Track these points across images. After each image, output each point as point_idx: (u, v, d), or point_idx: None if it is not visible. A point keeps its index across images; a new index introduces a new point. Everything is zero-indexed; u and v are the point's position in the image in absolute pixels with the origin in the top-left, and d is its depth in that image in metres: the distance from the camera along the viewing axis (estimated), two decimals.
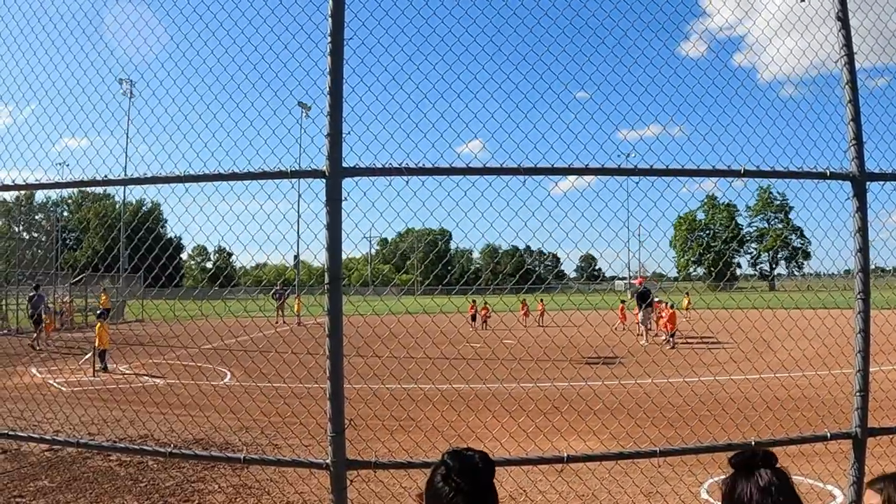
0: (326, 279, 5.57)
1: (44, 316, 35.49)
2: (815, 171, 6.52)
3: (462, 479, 3.23)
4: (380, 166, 5.79)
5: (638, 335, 33.83)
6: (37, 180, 7.26)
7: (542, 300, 44.88)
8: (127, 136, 31.81)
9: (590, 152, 6.34)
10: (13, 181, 7.27)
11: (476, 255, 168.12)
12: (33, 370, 24.26)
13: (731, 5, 7.41)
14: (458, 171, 5.89)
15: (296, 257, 56.09)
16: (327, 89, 5.75)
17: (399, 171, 5.78)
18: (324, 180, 5.69)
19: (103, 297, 46.49)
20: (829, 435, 6.66)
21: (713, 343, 28.33)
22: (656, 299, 37.84)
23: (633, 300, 35.85)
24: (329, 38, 5.80)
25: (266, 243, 6.84)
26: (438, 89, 6.47)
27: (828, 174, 6.51)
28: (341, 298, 5.63)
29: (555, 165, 6.00)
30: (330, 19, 5.82)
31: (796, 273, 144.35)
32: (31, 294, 35.17)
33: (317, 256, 5.88)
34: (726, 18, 7.66)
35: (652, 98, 6.80)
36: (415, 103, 6.41)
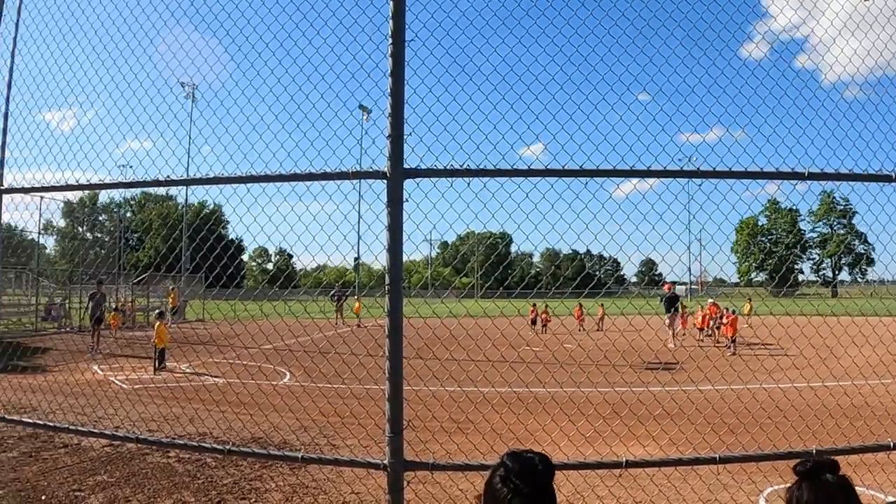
0: (387, 280, 5.58)
1: (108, 315, 36.08)
2: (879, 173, 6.39)
3: (521, 480, 3.20)
4: (441, 167, 5.78)
5: (666, 340, 33.60)
6: (100, 181, 7.38)
7: (602, 304, 44.63)
8: (189, 139, 32.11)
9: (652, 154, 6.30)
10: (77, 181, 7.38)
11: (536, 258, 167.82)
12: (95, 367, 24.64)
13: (793, 5, 7.28)
14: (519, 173, 5.86)
15: (356, 259, 56.34)
16: (388, 91, 5.76)
17: (460, 173, 5.77)
18: (384, 182, 5.70)
19: (172, 296, 47.20)
20: (892, 444, 6.54)
21: (775, 349, 27.95)
22: (710, 301, 38.11)
23: (661, 305, 35.88)
24: (390, 40, 5.81)
25: (326, 245, 6.89)
26: (500, 91, 6.46)
27: (893, 177, 6.38)
28: (401, 300, 5.64)
29: (616, 167, 5.95)
30: (391, 21, 5.83)
31: (860, 279, 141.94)
32: (93, 292, 34.22)
33: (377, 258, 5.90)
34: (789, 18, 7.54)
35: (714, 99, 6.73)
36: (476, 105, 6.40)
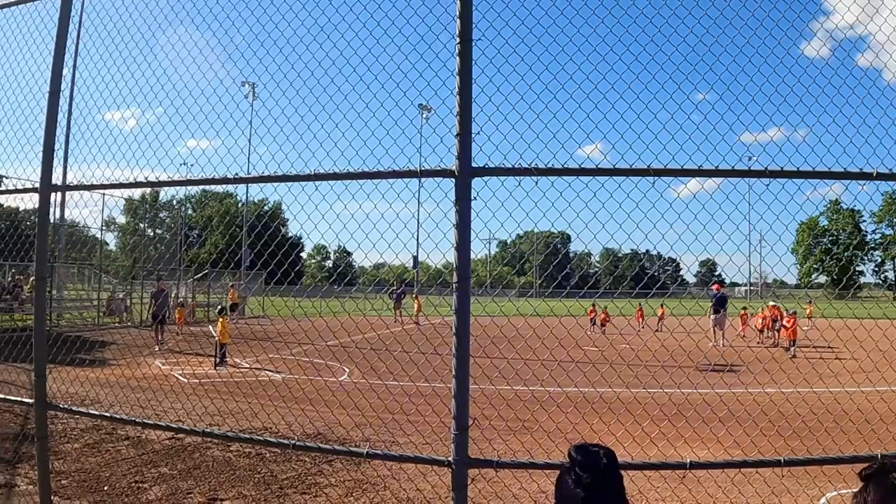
0: (455, 278, 5.60)
1: (176, 312, 36.68)
2: None
3: (584, 471, 3.23)
4: (509, 166, 5.79)
5: (715, 340, 34.23)
6: (169, 178, 7.49)
7: (662, 305, 44.37)
8: (250, 138, 32.49)
9: (720, 153, 6.23)
10: (146, 178, 7.49)
11: (595, 258, 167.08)
12: (157, 362, 25.00)
13: (856, 8, 7.14)
14: (587, 172, 5.84)
15: (415, 258, 56.65)
16: (456, 90, 5.77)
17: (528, 172, 5.76)
18: (452, 180, 5.72)
19: (231, 292, 47.77)
20: None
21: (834, 354, 27.57)
22: (771, 303, 38.17)
23: (711, 306, 36.31)
24: (458, 39, 5.82)
25: (390, 243, 6.94)
26: (567, 89, 6.43)
27: None
28: (469, 297, 5.66)
29: (684, 167, 5.90)
30: (458, 20, 5.84)
31: None
32: (155, 291, 34.37)
33: (445, 255, 5.93)
34: (857, 16, 7.40)
35: (783, 98, 6.62)
36: (544, 103, 6.39)
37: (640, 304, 46.43)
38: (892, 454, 6.11)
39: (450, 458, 5.79)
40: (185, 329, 37.53)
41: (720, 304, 35.28)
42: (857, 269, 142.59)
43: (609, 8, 6.43)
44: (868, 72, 7.31)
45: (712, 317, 35.39)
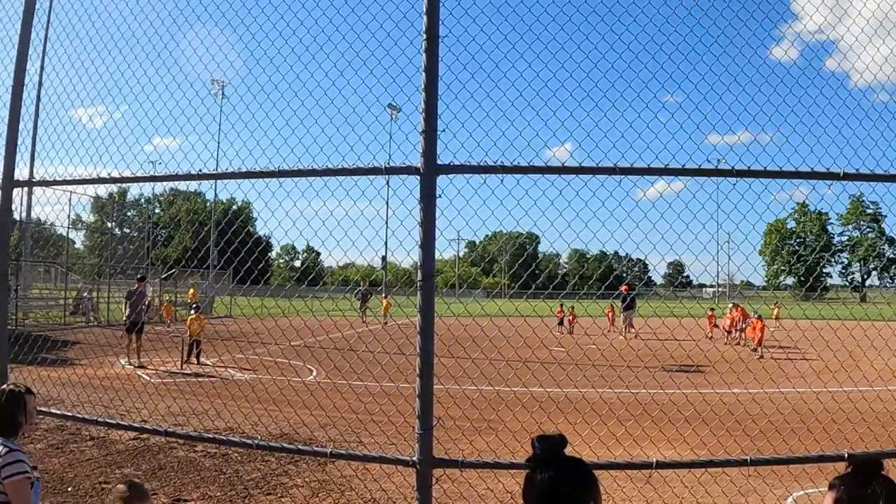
0: (419, 276, 5.58)
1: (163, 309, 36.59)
2: None
3: (540, 449, 3.26)
4: (475, 164, 5.76)
5: (620, 334, 39.43)
6: (132, 174, 7.42)
7: (611, 305, 45.06)
8: (219, 136, 32.15)
9: (687, 152, 6.25)
10: (111, 175, 7.41)
11: (564, 258, 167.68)
12: (122, 361, 24.75)
13: (823, 10, 7.19)
14: (552, 171, 5.84)
15: (383, 258, 56.46)
16: (422, 86, 5.75)
17: (493, 170, 5.75)
18: (418, 178, 5.69)
19: (191, 292, 47.55)
20: None
21: (800, 354, 27.80)
22: (731, 304, 39.39)
23: (617, 302, 41.80)
24: (424, 36, 5.80)
25: (356, 242, 6.89)
26: (534, 87, 6.42)
27: None
28: (434, 296, 5.63)
29: (651, 166, 5.90)
30: (425, 16, 5.82)
31: (889, 284, 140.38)
32: (130, 290, 28.20)
33: (409, 254, 5.90)
34: (826, 17, 7.44)
35: (750, 100, 6.65)
36: (510, 101, 6.38)
37: (611, 305, 46.58)
38: (860, 454, 6.13)
39: (414, 458, 5.76)
40: (173, 327, 37.36)
41: (623, 301, 39.35)
42: (825, 270, 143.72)
43: (577, 6, 6.43)
44: (836, 74, 7.34)
45: (622, 315, 40.03)
